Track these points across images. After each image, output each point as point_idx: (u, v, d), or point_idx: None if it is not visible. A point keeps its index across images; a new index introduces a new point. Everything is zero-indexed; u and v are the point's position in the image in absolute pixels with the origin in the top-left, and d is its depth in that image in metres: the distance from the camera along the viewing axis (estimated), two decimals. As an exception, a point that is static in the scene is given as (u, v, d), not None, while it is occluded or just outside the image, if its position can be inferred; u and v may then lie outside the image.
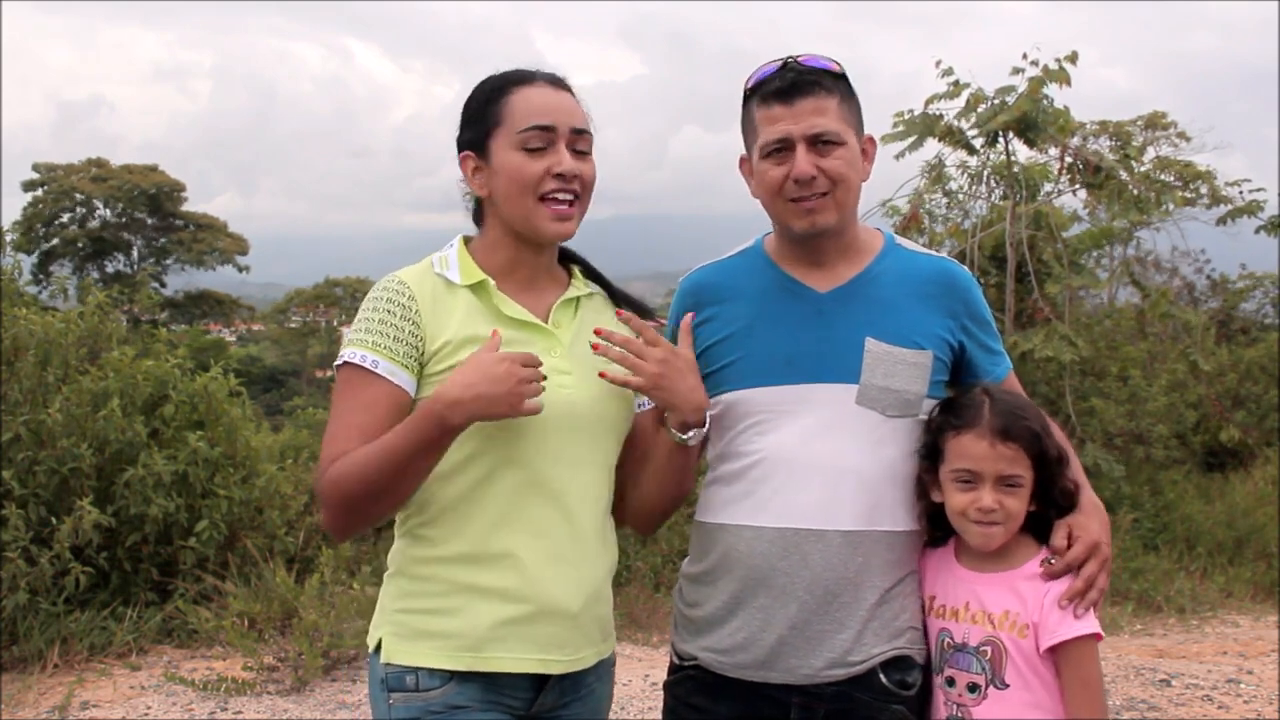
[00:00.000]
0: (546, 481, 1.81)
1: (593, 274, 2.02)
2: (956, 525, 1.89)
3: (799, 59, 1.92)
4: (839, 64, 1.93)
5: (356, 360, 1.78)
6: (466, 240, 1.96)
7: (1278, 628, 6.53)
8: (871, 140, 1.99)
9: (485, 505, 1.79)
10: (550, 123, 1.83)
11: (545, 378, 1.73)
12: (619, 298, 2.03)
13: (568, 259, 2.02)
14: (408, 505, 1.85)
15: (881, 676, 1.89)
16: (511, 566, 1.79)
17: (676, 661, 2.03)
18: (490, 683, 1.79)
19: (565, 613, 1.81)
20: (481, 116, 1.88)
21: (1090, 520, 1.89)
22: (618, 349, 1.85)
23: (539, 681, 1.83)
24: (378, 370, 1.77)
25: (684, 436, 1.91)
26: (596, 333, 1.86)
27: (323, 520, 1.86)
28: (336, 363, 1.83)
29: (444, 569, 1.81)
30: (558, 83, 1.90)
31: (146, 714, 4.41)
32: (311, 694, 4.66)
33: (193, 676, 4.70)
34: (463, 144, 1.91)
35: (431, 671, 1.78)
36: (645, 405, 2.00)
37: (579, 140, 1.86)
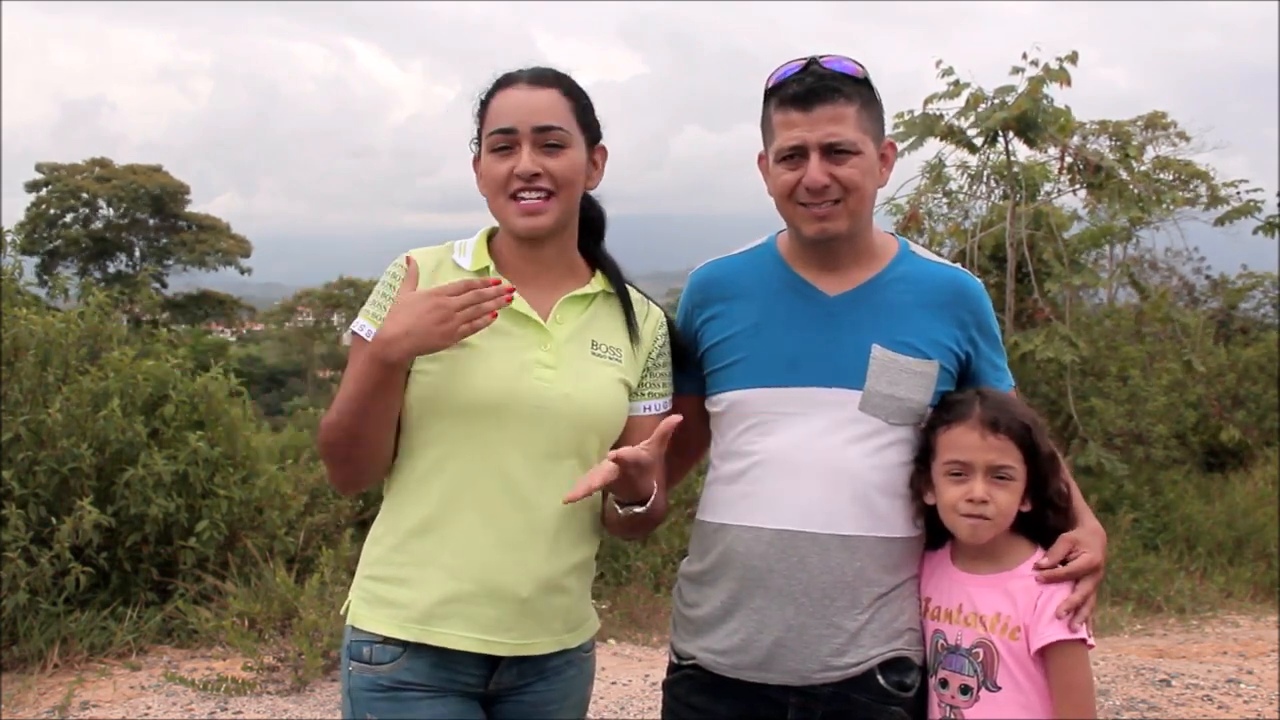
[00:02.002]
0: (505, 468, 1.84)
1: (617, 279, 2.01)
2: (947, 521, 1.89)
3: (822, 60, 1.89)
4: (862, 67, 1.90)
5: (358, 329, 1.90)
6: (492, 232, 1.99)
7: (1278, 628, 6.53)
8: (892, 146, 1.97)
9: (443, 482, 1.85)
10: (510, 125, 1.87)
11: (484, 303, 1.73)
12: (630, 313, 1.99)
13: (597, 260, 2.01)
14: (390, 476, 1.92)
15: (880, 678, 1.89)
16: (459, 544, 1.84)
17: (675, 661, 2.04)
18: (440, 658, 1.83)
19: (511, 596, 1.84)
20: (478, 121, 1.95)
21: (1094, 540, 1.89)
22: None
23: (491, 661, 1.86)
24: (370, 339, 1.87)
25: (623, 513, 1.86)
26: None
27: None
28: (350, 330, 1.97)
29: (404, 539, 1.87)
30: (539, 80, 1.91)
31: (146, 714, 4.41)
32: (311, 694, 4.66)
33: (193, 676, 4.70)
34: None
35: (385, 644, 1.84)
36: (653, 409, 1.99)
37: (546, 136, 1.87)
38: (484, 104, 1.93)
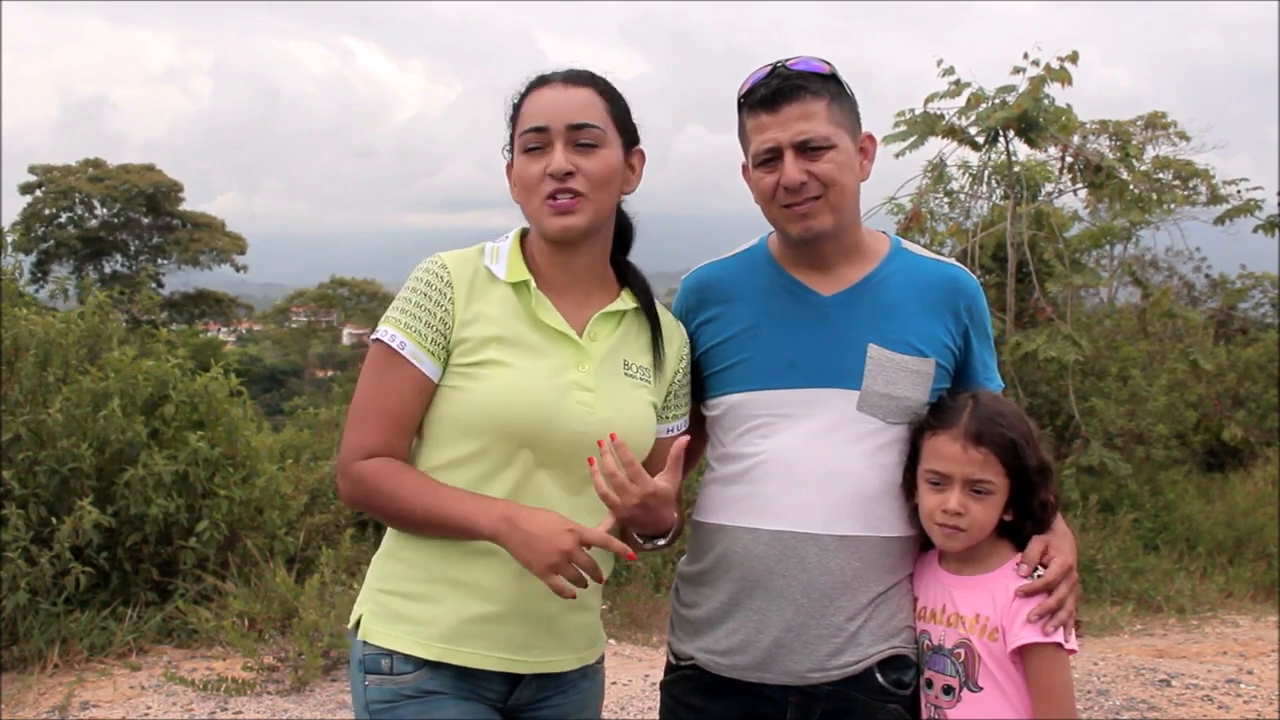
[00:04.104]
0: (543, 491, 1.80)
1: (646, 297, 1.96)
2: (925, 526, 1.89)
3: (787, 63, 1.89)
4: (829, 64, 1.90)
5: (386, 339, 1.81)
6: (524, 235, 1.94)
7: (1278, 628, 6.53)
8: (871, 138, 1.96)
9: None
10: (542, 123, 1.82)
11: (587, 585, 1.73)
12: (658, 334, 1.96)
13: (626, 273, 1.97)
14: None
15: (878, 676, 1.89)
16: (491, 565, 1.79)
17: (673, 661, 2.03)
18: (462, 673, 1.81)
19: (539, 615, 1.81)
20: (509, 124, 1.91)
21: (1063, 543, 1.89)
22: (601, 478, 1.74)
23: (512, 678, 1.85)
24: (404, 353, 1.80)
25: (648, 546, 1.91)
26: (591, 461, 1.76)
27: (339, 488, 1.91)
28: (370, 336, 1.88)
29: (427, 555, 1.83)
30: (573, 79, 1.87)
31: (146, 714, 4.40)
32: (311, 694, 4.66)
33: (193, 676, 4.70)
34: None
35: (406, 657, 1.80)
36: (674, 430, 1.98)
37: (580, 135, 1.82)
38: (516, 107, 1.89)
